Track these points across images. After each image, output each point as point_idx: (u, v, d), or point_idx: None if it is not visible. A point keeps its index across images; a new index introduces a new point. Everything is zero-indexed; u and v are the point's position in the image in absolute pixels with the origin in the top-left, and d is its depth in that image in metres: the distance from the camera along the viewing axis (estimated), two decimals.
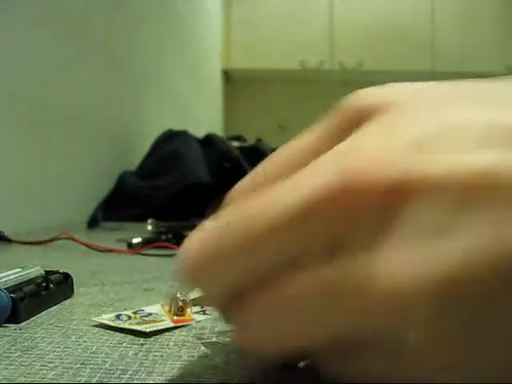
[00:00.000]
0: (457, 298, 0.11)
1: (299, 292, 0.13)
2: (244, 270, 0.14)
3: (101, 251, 0.51)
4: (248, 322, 0.14)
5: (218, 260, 0.14)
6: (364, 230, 0.13)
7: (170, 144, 1.19)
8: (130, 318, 0.23)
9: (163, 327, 0.22)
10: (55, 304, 0.27)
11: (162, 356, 0.19)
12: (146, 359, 0.18)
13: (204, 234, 0.14)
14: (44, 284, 0.26)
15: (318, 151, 0.15)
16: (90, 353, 0.19)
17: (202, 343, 0.20)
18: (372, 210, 0.12)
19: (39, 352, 0.19)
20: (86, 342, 0.20)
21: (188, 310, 0.24)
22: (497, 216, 0.11)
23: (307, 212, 0.13)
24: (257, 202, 0.14)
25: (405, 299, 0.12)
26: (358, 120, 0.15)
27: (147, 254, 0.49)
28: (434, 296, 0.11)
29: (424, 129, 0.13)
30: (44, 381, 0.16)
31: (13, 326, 0.22)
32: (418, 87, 0.16)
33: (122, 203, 1.05)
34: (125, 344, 0.20)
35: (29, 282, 0.26)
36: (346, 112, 0.15)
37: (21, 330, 0.22)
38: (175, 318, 0.23)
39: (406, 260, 0.12)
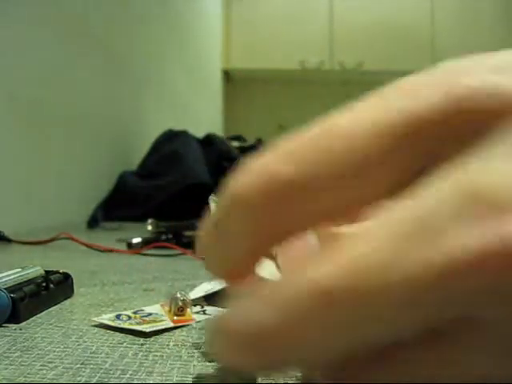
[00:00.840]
0: None
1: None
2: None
3: (101, 251, 0.51)
4: None
5: (321, 325, 0.10)
6: None
7: (170, 144, 1.19)
8: (130, 317, 0.23)
9: (163, 327, 0.22)
10: (55, 304, 0.27)
11: (162, 356, 0.19)
12: (145, 359, 0.18)
13: (276, 307, 0.10)
14: (44, 284, 0.26)
15: (379, 164, 0.11)
16: (90, 353, 0.19)
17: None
18: None
19: (39, 352, 0.19)
20: (86, 342, 0.20)
21: (188, 310, 0.24)
22: None
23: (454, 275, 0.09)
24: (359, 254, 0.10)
25: None
26: (481, 126, 0.11)
27: (147, 254, 0.49)
28: None
29: None
30: (44, 381, 0.16)
31: (13, 326, 0.22)
32: None
33: (122, 203, 1.05)
34: (125, 344, 0.20)
35: (29, 282, 0.26)
36: (465, 110, 0.11)
37: (21, 329, 0.22)
38: (175, 318, 0.23)
39: None
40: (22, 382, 0.16)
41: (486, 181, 0.10)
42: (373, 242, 0.10)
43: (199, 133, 1.32)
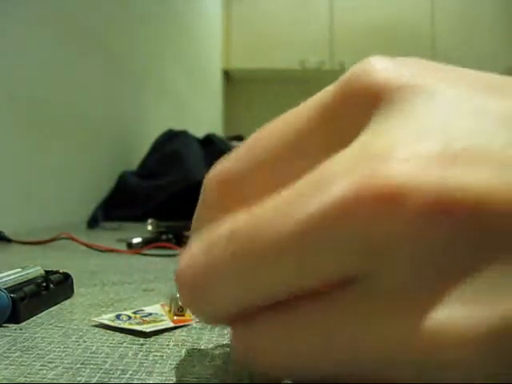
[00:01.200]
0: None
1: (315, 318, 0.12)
2: (244, 295, 0.12)
3: (101, 251, 0.51)
4: (255, 342, 0.13)
5: (221, 277, 0.12)
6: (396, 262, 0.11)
7: (171, 144, 1.19)
8: (130, 317, 0.23)
9: (163, 327, 0.22)
10: (55, 304, 0.27)
11: (162, 356, 0.19)
12: (146, 359, 0.18)
13: (204, 247, 0.13)
14: (44, 284, 0.26)
15: (318, 135, 0.13)
16: (90, 353, 0.19)
17: None
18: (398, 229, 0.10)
19: (39, 352, 0.19)
20: (86, 342, 0.20)
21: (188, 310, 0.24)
22: None
23: (320, 229, 0.11)
24: (261, 211, 0.12)
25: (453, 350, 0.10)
26: (370, 101, 0.12)
27: (147, 254, 0.49)
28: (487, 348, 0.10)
29: (459, 135, 0.11)
30: (44, 381, 0.16)
31: (13, 326, 0.22)
32: (439, 67, 0.13)
33: (122, 203, 1.05)
34: (125, 344, 0.20)
35: (29, 282, 0.26)
36: (354, 90, 0.13)
37: (21, 329, 0.22)
38: (175, 318, 0.23)
39: (455, 316, 0.10)
40: (22, 382, 0.16)
41: (374, 141, 0.11)
42: (273, 200, 0.12)
43: (199, 133, 1.32)
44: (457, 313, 0.10)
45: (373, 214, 0.10)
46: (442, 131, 0.11)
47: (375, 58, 0.13)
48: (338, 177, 0.11)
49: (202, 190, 0.16)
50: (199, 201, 0.16)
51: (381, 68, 0.13)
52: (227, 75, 3.21)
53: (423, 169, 0.10)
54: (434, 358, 0.10)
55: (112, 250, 0.50)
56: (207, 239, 0.13)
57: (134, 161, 1.25)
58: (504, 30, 3.03)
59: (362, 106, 0.13)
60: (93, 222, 0.88)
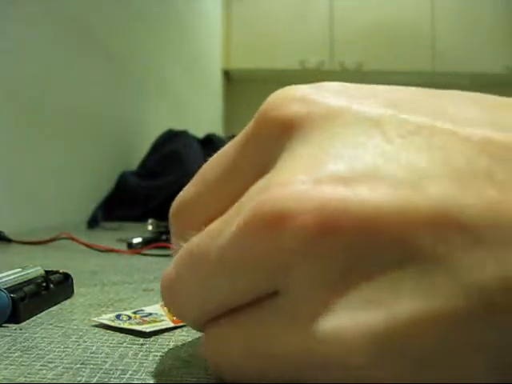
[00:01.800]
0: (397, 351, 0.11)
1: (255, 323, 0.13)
2: (205, 301, 0.14)
3: (101, 251, 0.51)
4: (219, 345, 0.14)
5: (184, 288, 0.15)
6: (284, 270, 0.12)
7: (171, 144, 1.19)
8: (130, 317, 0.23)
9: (163, 327, 0.22)
10: (55, 304, 0.27)
11: (162, 356, 0.19)
12: (145, 359, 0.18)
13: (175, 261, 0.15)
14: (44, 284, 0.26)
15: (246, 162, 0.15)
16: (90, 353, 0.19)
17: None
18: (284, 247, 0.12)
19: (39, 352, 0.19)
20: (86, 342, 0.20)
21: None
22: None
23: (233, 251, 0.13)
24: (200, 237, 0.14)
25: (344, 347, 0.11)
26: (283, 131, 0.13)
27: (147, 254, 0.49)
28: (372, 348, 0.11)
29: (356, 156, 0.12)
30: (44, 381, 0.16)
31: (13, 326, 0.22)
32: (344, 91, 0.14)
33: (122, 203, 1.05)
34: (125, 344, 0.20)
35: (29, 282, 0.26)
36: (266, 122, 0.14)
37: (21, 330, 0.22)
38: (175, 317, 0.23)
39: (342, 322, 0.11)
40: (22, 382, 0.16)
41: (279, 170, 0.13)
42: (210, 226, 0.14)
43: (199, 133, 1.32)
44: (345, 320, 0.11)
45: (263, 236, 0.12)
46: (339, 155, 0.12)
47: (290, 88, 0.14)
48: (246, 205, 0.13)
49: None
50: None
51: (293, 98, 0.14)
52: (227, 75, 3.21)
53: (311, 191, 0.11)
54: (333, 362, 0.11)
55: (112, 250, 0.50)
56: (178, 255, 0.15)
57: (134, 161, 1.25)
58: (504, 29, 3.03)
59: (275, 136, 0.14)
60: (93, 222, 0.88)
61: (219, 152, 0.16)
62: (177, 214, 0.17)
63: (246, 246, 0.12)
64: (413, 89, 0.14)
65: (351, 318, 0.11)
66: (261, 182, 0.13)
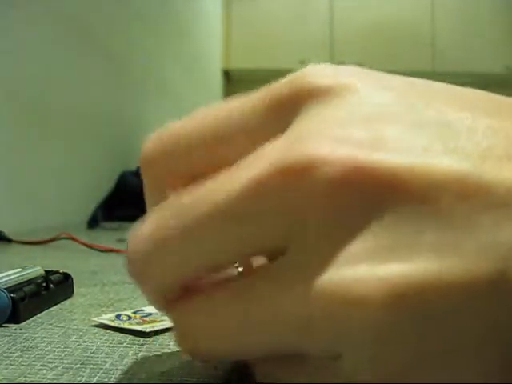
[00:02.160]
0: (401, 323, 0.10)
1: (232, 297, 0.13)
2: (190, 260, 0.13)
3: (101, 251, 0.51)
4: (192, 319, 0.14)
5: (167, 248, 0.13)
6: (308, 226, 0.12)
7: None
8: (130, 317, 0.23)
9: (163, 327, 0.22)
10: (55, 304, 0.27)
11: (162, 356, 0.19)
12: (146, 359, 0.18)
13: (153, 222, 0.14)
14: (44, 284, 0.26)
15: (251, 126, 0.14)
16: (90, 353, 0.19)
17: None
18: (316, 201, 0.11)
19: (39, 352, 0.19)
20: (86, 342, 0.20)
21: None
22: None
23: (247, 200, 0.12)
24: (205, 185, 0.13)
25: (346, 315, 0.11)
26: (305, 99, 0.13)
27: None
28: (377, 318, 0.10)
29: (384, 126, 0.12)
30: (44, 381, 0.16)
31: (13, 326, 0.22)
32: (377, 75, 0.15)
33: (122, 203, 1.05)
34: (125, 344, 0.20)
35: (29, 281, 0.26)
36: (291, 88, 0.14)
37: (21, 330, 0.22)
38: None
39: (359, 274, 0.11)
40: (22, 382, 0.16)
41: (302, 126, 0.13)
42: (217, 175, 0.13)
43: None
44: (363, 271, 0.11)
45: (285, 184, 0.11)
46: (367, 120, 0.12)
47: (317, 64, 0.14)
48: (265, 155, 0.12)
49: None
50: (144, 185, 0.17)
51: (322, 70, 0.14)
52: (227, 75, 3.21)
53: (339, 146, 0.11)
54: (345, 316, 0.11)
55: (112, 250, 0.50)
56: (155, 216, 0.14)
57: (134, 161, 1.25)
58: (504, 29, 3.03)
59: (305, 99, 0.14)
60: (93, 222, 0.88)
61: (231, 103, 0.15)
62: (155, 157, 0.15)
63: (265, 196, 0.12)
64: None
65: (369, 270, 0.11)
66: (281, 138, 0.13)
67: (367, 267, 0.11)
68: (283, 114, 0.14)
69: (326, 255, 0.11)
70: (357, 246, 0.11)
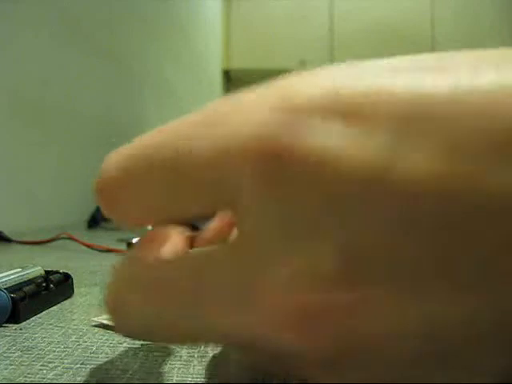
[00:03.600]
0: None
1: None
2: (151, 198, 0.13)
3: (101, 251, 0.51)
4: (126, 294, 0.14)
5: (135, 184, 0.13)
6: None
7: None
8: None
9: None
10: (55, 304, 0.27)
11: (162, 356, 0.19)
12: (146, 359, 0.18)
13: (126, 151, 0.13)
14: (44, 284, 0.26)
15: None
16: (90, 353, 0.19)
17: None
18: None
19: (39, 352, 0.19)
20: (86, 342, 0.20)
21: None
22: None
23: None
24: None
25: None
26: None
27: None
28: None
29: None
30: (44, 381, 0.16)
31: (13, 326, 0.22)
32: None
33: None
34: (125, 344, 0.20)
35: (29, 281, 0.26)
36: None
37: (21, 329, 0.22)
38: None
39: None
40: (21, 382, 0.16)
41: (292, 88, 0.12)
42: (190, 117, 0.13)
43: None
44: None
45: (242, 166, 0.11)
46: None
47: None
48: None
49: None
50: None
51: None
52: (227, 75, 3.21)
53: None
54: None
55: (112, 250, 0.50)
56: (128, 150, 0.13)
57: None
58: (504, 30, 3.04)
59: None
60: (93, 222, 0.88)
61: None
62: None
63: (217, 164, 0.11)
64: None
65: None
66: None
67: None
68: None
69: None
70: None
